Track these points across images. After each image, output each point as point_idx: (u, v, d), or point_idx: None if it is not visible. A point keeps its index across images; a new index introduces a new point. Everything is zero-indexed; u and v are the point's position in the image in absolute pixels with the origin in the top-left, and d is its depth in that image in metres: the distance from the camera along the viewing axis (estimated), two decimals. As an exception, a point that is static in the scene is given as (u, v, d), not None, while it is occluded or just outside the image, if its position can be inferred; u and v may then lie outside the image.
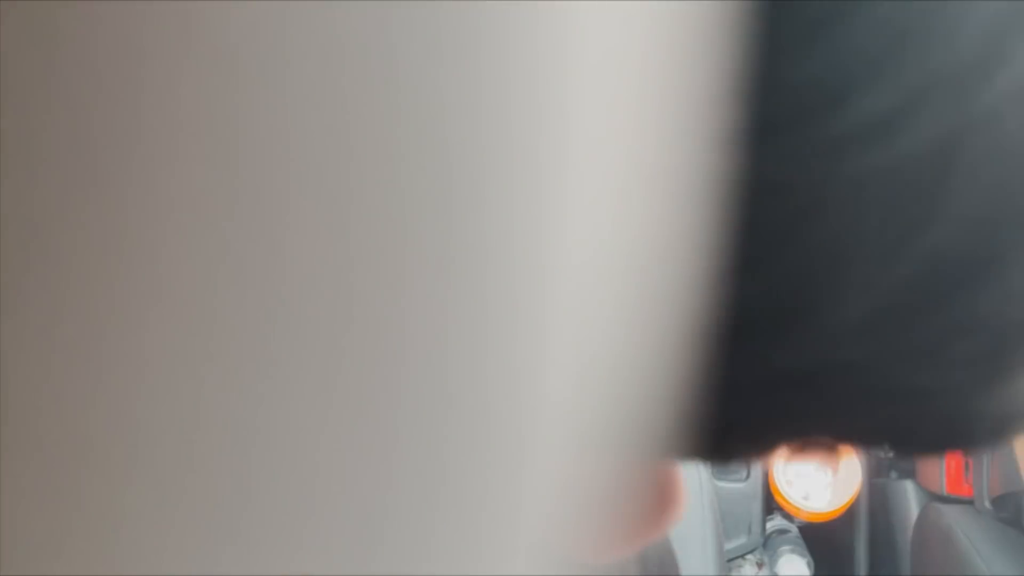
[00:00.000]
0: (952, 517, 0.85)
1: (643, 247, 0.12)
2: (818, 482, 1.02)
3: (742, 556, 1.06)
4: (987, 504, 0.84)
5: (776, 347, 0.15)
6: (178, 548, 0.11)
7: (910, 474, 1.03)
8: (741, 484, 1.06)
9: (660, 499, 0.24)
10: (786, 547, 1.05)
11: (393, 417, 0.11)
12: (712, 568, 0.67)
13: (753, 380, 0.15)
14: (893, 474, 1.08)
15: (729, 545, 1.04)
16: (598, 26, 0.13)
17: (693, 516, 0.68)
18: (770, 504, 1.06)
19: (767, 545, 1.07)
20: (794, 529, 1.09)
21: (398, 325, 0.12)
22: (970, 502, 0.88)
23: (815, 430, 0.17)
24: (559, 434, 0.12)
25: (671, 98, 0.13)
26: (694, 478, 0.70)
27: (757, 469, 1.06)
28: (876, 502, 1.08)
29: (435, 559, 0.12)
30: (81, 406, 0.10)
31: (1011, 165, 0.13)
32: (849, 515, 1.04)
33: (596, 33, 0.13)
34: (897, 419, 0.16)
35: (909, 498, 1.02)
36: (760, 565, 1.06)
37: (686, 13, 0.13)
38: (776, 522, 1.09)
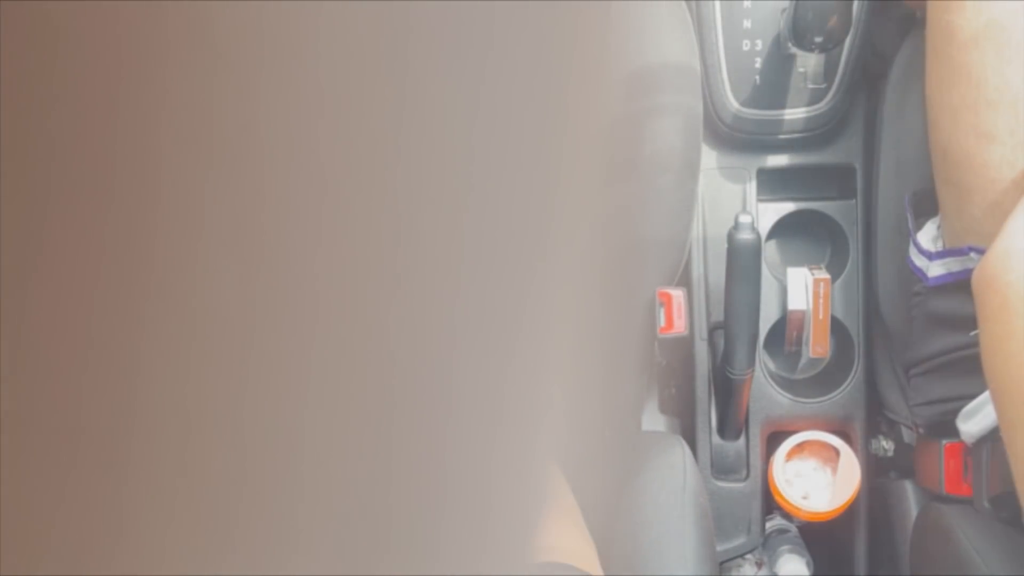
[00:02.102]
0: (951, 517, 0.85)
1: None
2: (817, 482, 1.02)
3: (741, 556, 1.06)
4: (986, 503, 0.84)
5: None
6: (177, 546, 0.11)
7: (909, 474, 1.03)
8: (740, 484, 1.06)
9: None
10: (785, 547, 1.05)
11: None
12: (693, 570, 0.67)
13: None
14: (892, 474, 1.08)
15: (728, 545, 1.04)
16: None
17: (672, 523, 0.68)
18: (769, 504, 1.06)
19: (766, 545, 1.07)
20: (793, 529, 1.09)
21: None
22: (969, 502, 0.88)
23: None
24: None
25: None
26: (677, 483, 0.70)
27: (756, 469, 1.06)
28: (875, 502, 1.08)
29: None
30: (82, 406, 0.10)
31: None
32: (848, 515, 1.04)
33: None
34: None
35: (908, 498, 1.02)
36: (759, 565, 1.06)
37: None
38: (775, 522, 1.09)
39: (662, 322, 0.94)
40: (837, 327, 1.05)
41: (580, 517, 0.59)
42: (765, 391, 1.05)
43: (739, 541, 1.06)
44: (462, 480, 0.14)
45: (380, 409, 0.12)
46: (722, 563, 1.04)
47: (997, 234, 0.66)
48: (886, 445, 1.07)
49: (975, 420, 0.83)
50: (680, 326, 0.99)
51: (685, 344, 1.06)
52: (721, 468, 1.07)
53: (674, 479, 0.69)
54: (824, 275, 0.98)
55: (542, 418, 0.16)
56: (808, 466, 1.03)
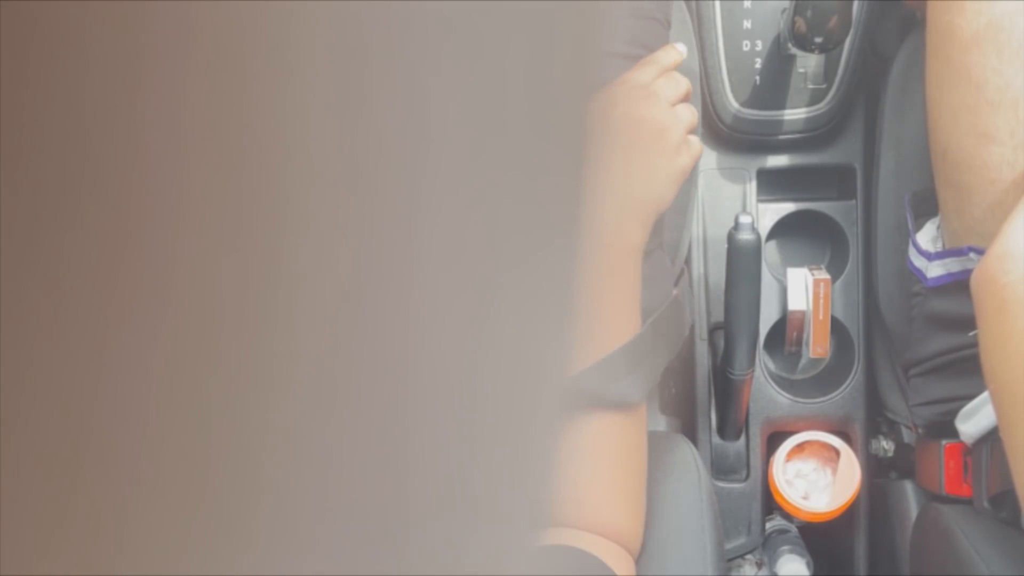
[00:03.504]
0: (951, 517, 0.85)
1: None
2: (817, 482, 1.02)
3: (742, 556, 1.06)
4: (986, 503, 0.84)
5: None
6: (179, 546, 0.11)
7: (909, 474, 1.03)
8: (740, 484, 1.06)
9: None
10: (785, 547, 1.05)
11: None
12: (711, 568, 0.67)
13: None
14: (893, 474, 1.08)
15: (729, 545, 1.04)
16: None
17: (692, 516, 0.68)
18: (770, 504, 1.06)
19: (766, 545, 1.07)
20: (793, 529, 1.09)
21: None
22: (969, 502, 0.88)
23: None
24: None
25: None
26: (693, 479, 0.70)
27: (756, 470, 1.06)
28: (875, 502, 1.08)
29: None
30: (82, 406, 0.10)
31: None
32: (848, 515, 1.04)
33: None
34: None
35: (908, 498, 1.02)
36: (759, 565, 1.06)
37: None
38: (775, 522, 1.09)
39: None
40: (837, 327, 1.05)
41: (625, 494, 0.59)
42: (765, 391, 1.05)
43: (739, 541, 1.06)
44: (465, 481, 0.14)
45: (380, 408, 0.12)
46: (722, 563, 1.04)
47: (996, 235, 0.66)
48: (886, 445, 1.07)
49: (974, 421, 0.83)
50: (680, 326, 0.98)
51: (685, 344, 1.06)
52: (721, 468, 1.07)
53: (689, 475, 0.70)
54: (824, 275, 0.98)
55: (549, 412, 0.16)
56: (808, 466, 1.03)
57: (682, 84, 0.71)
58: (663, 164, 0.65)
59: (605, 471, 0.59)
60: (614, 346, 0.59)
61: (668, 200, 0.66)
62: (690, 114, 0.70)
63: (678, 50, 0.73)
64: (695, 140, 0.69)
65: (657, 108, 0.66)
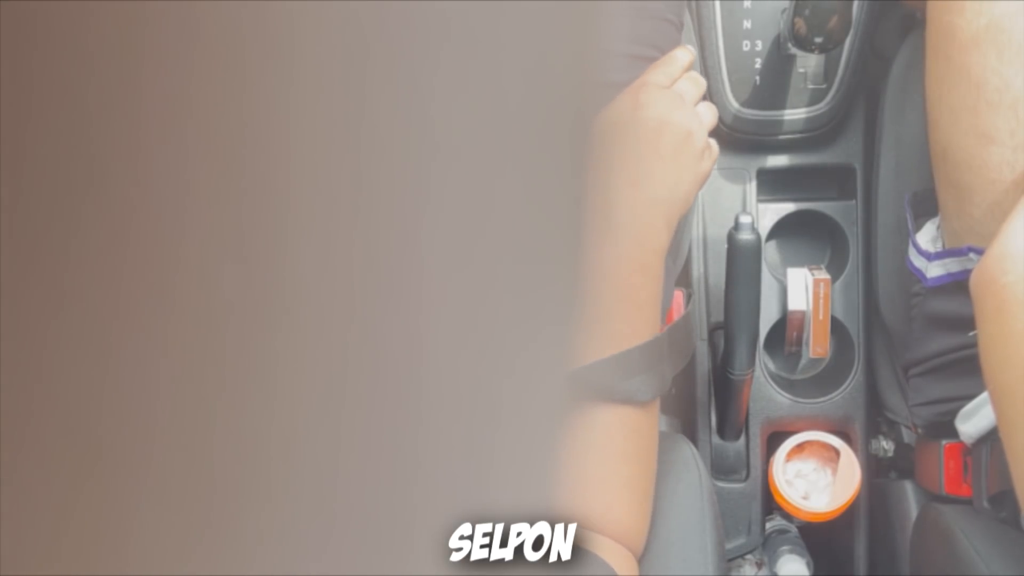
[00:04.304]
0: (951, 517, 0.85)
1: None
2: (817, 482, 1.02)
3: (741, 556, 1.06)
4: (985, 503, 0.84)
5: None
6: (179, 546, 0.11)
7: (909, 474, 1.03)
8: (740, 484, 1.06)
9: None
10: (785, 547, 1.05)
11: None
12: (712, 568, 0.67)
13: None
14: (892, 474, 1.08)
15: (729, 545, 1.04)
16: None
17: (692, 516, 0.68)
18: (770, 504, 1.06)
19: (766, 545, 1.07)
20: (793, 529, 1.09)
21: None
22: (969, 502, 0.88)
23: None
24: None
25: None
26: (693, 478, 0.70)
27: (757, 470, 1.06)
28: (875, 502, 1.08)
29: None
30: (86, 409, 0.10)
31: None
32: (848, 515, 1.04)
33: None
34: None
35: (908, 498, 1.02)
36: (759, 565, 1.06)
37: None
38: (775, 522, 1.09)
39: (662, 322, 0.94)
40: (837, 327, 1.05)
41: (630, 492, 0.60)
42: (765, 391, 1.05)
43: (739, 541, 1.06)
44: (465, 484, 0.14)
45: (386, 409, 0.12)
46: (722, 563, 1.04)
47: (996, 235, 0.66)
48: (886, 445, 1.07)
49: (973, 421, 0.83)
50: (680, 326, 0.98)
51: (686, 344, 1.06)
52: (721, 468, 1.07)
53: (689, 475, 0.70)
54: (824, 275, 0.98)
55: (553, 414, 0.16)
56: (808, 466, 1.03)
57: (701, 83, 0.72)
58: (689, 167, 0.66)
59: (616, 470, 0.59)
60: (634, 343, 0.59)
61: (691, 202, 0.68)
62: (712, 114, 0.72)
63: (691, 50, 0.74)
64: (714, 143, 0.71)
65: (684, 112, 0.67)
